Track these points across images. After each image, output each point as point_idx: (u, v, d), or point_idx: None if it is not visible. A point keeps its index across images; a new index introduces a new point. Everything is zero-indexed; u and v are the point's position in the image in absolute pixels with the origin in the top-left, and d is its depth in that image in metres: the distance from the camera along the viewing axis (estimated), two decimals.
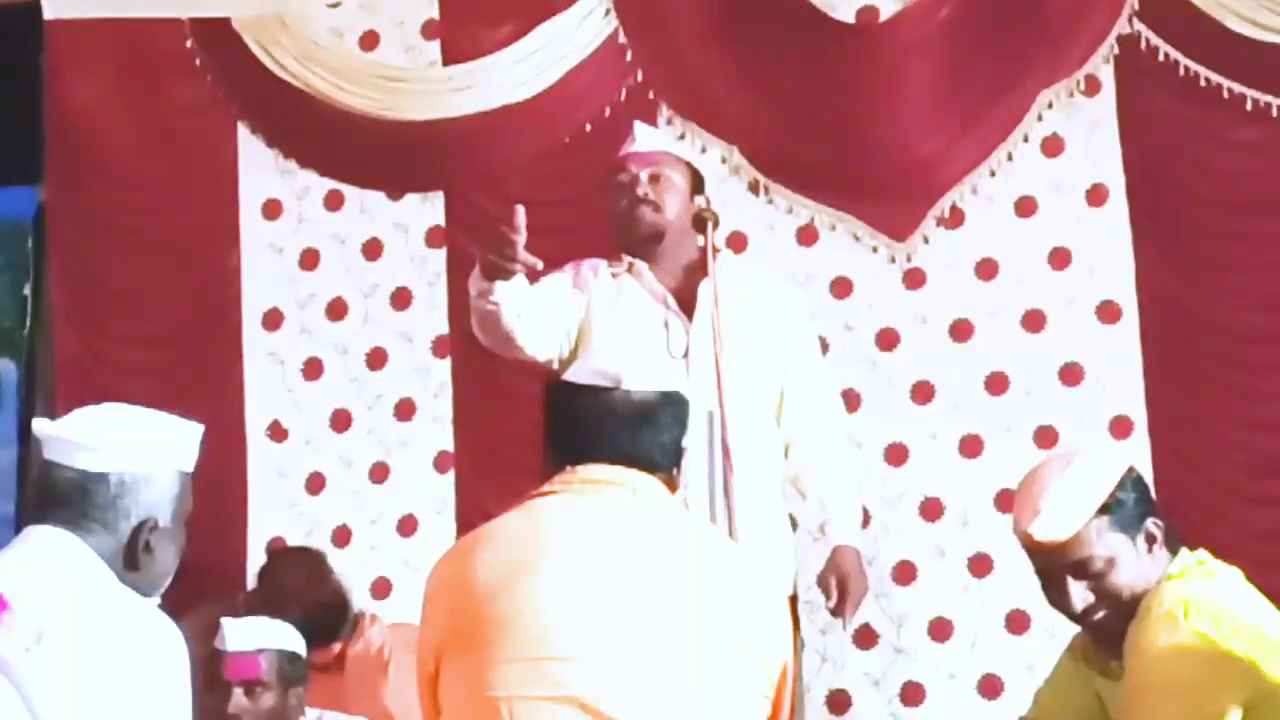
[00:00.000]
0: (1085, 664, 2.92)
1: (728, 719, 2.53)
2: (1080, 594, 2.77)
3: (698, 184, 3.91)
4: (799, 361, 3.88)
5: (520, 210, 3.46)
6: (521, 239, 3.47)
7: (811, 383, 3.89)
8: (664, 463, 2.69)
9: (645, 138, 3.97)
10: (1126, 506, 2.76)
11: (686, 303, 3.77)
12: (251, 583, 5.06)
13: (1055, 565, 2.77)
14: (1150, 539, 2.76)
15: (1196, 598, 2.65)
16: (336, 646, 4.65)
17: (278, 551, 4.99)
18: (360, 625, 4.71)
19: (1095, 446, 2.90)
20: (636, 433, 2.67)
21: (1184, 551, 2.79)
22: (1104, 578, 2.75)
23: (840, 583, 3.77)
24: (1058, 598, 2.80)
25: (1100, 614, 2.78)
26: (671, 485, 2.71)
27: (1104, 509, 2.75)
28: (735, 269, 3.92)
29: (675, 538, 2.64)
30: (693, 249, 3.83)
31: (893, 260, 4.93)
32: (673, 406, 2.73)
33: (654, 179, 3.84)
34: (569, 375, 2.78)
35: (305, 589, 4.63)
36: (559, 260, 5.09)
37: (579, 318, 3.86)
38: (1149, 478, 4.57)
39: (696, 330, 3.73)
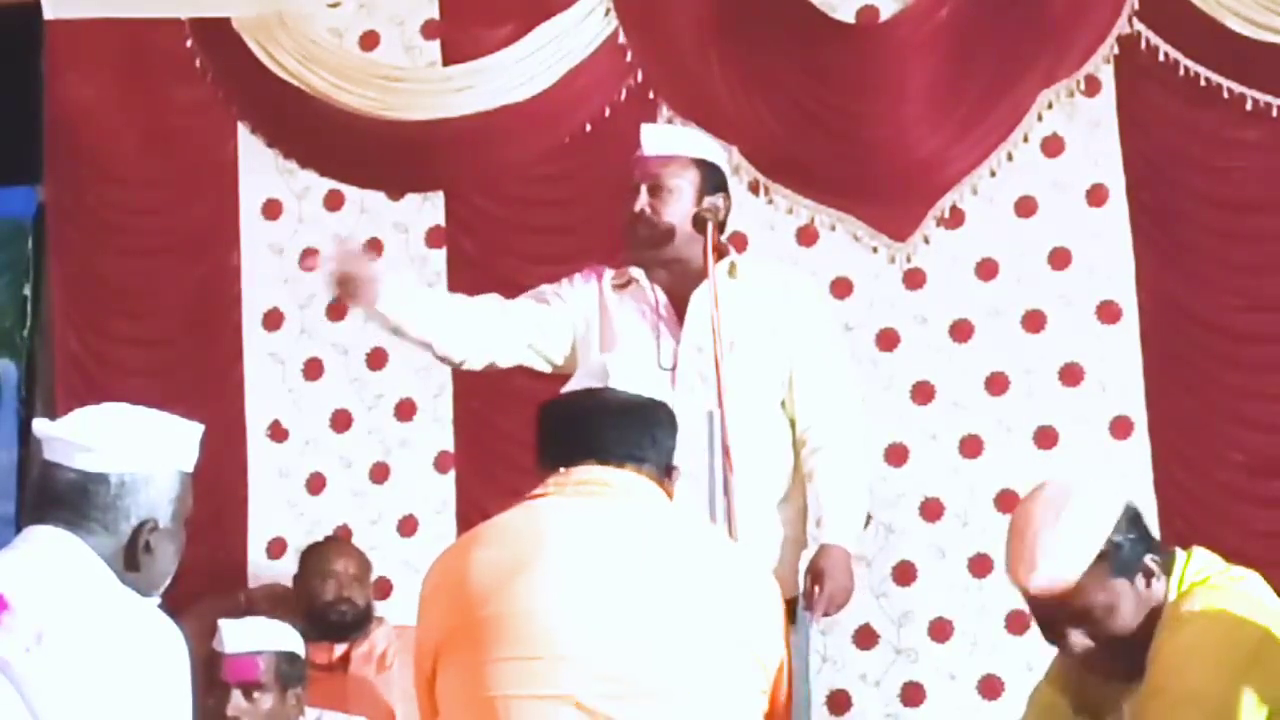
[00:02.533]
0: (1066, 693, 2.89)
1: (724, 717, 2.53)
2: (1080, 641, 2.72)
3: (711, 182, 3.79)
4: (806, 351, 3.78)
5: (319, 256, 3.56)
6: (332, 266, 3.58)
7: (821, 373, 3.78)
8: (656, 461, 2.69)
9: (649, 142, 3.85)
10: (1124, 550, 2.70)
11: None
12: (254, 582, 5.09)
13: (1053, 615, 2.72)
14: (1149, 575, 2.73)
15: (1222, 603, 2.64)
16: (341, 647, 4.68)
17: (329, 539, 5.00)
18: (367, 627, 4.75)
19: (1088, 485, 2.78)
20: (627, 430, 2.67)
21: (1198, 554, 2.78)
22: (1102, 624, 2.71)
23: (814, 580, 3.66)
24: (1055, 640, 2.76)
25: (1098, 657, 2.74)
26: (664, 487, 2.70)
27: (1102, 556, 2.69)
28: (744, 264, 3.84)
29: (670, 537, 2.64)
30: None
31: (893, 260, 4.93)
32: (661, 410, 2.74)
33: (654, 190, 3.76)
34: (566, 387, 2.78)
35: (349, 579, 4.71)
36: (558, 259, 5.11)
37: (561, 330, 3.83)
38: (1149, 478, 4.63)
39: (685, 340, 3.71)
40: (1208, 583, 2.71)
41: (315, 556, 4.85)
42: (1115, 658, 2.72)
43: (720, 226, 3.79)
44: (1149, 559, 2.73)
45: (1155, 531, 2.83)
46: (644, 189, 3.77)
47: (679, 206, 3.76)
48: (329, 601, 4.70)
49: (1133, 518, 2.75)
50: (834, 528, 3.72)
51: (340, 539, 5.03)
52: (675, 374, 3.64)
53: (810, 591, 3.65)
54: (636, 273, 3.81)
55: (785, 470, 3.77)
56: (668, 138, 4.01)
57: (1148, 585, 2.72)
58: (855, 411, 3.85)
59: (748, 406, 3.65)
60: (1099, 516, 2.72)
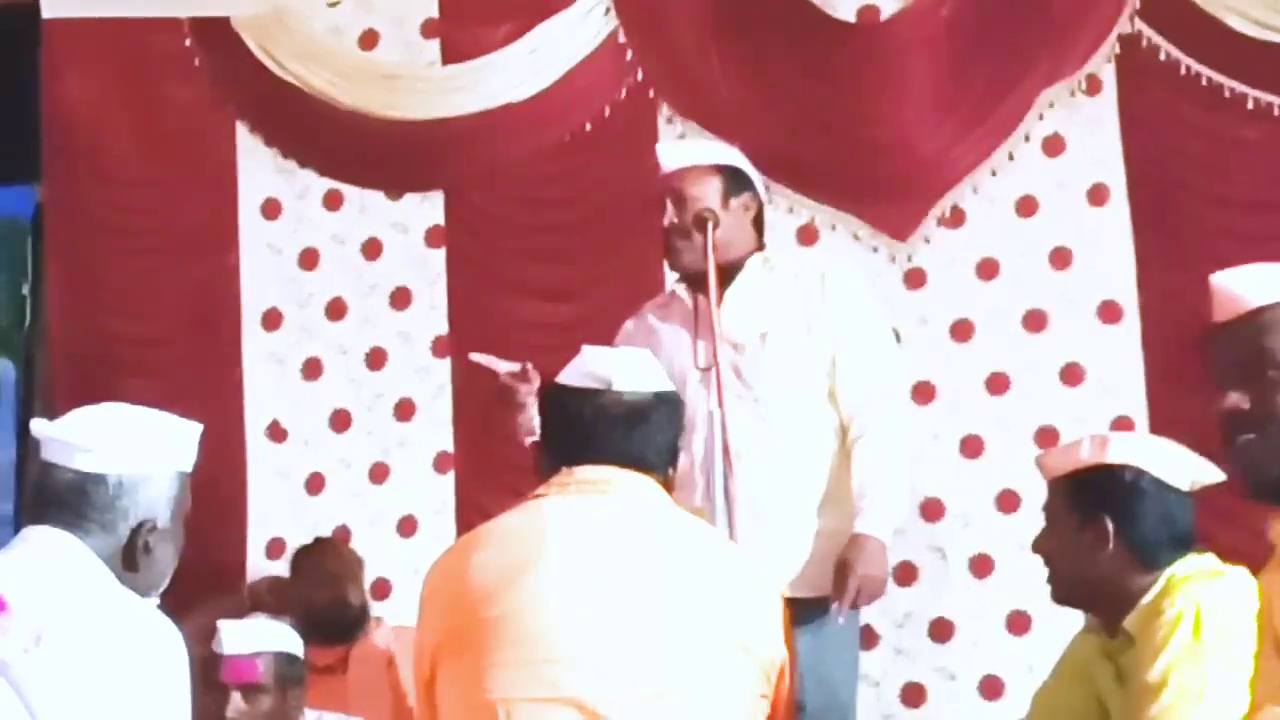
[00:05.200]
0: (1095, 635, 2.91)
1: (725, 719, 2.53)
2: (1038, 538, 2.89)
3: (735, 185, 3.81)
4: (848, 338, 3.75)
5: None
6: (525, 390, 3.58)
7: (864, 358, 3.76)
8: (658, 463, 2.70)
9: (666, 158, 3.90)
10: (1080, 490, 2.80)
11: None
12: (253, 578, 5.09)
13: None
14: (1097, 537, 2.76)
15: (1207, 600, 2.65)
16: (340, 649, 4.68)
17: (321, 541, 5.00)
18: (365, 627, 4.75)
19: (1167, 446, 2.89)
20: (630, 433, 2.68)
21: (1201, 555, 2.79)
22: (1048, 533, 2.85)
23: (839, 572, 3.59)
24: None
25: (1048, 571, 2.87)
26: (667, 486, 2.71)
27: (1072, 476, 2.82)
28: (779, 256, 3.87)
29: (672, 539, 2.64)
30: (745, 248, 3.80)
31: (893, 260, 4.93)
32: (666, 407, 2.74)
33: (678, 201, 3.78)
34: (561, 377, 2.78)
35: (342, 581, 4.72)
36: (558, 259, 5.13)
37: None
38: None
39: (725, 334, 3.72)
40: (1188, 580, 2.72)
41: (307, 559, 4.85)
42: (1056, 588, 2.85)
43: (757, 224, 3.85)
44: (1106, 521, 2.74)
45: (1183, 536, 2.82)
46: (669, 203, 3.81)
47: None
48: (326, 604, 4.70)
49: (1132, 481, 2.79)
50: (867, 517, 3.65)
51: (331, 540, 5.02)
52: (710, 373, 3.63)
53: (837, 583, 3.59)
54: (676, 287, 3.88)
55: (826, 462, 3.74)
56: (683, 151, 4.06)
57: (1094, 542, 2.77)
58: (901, 398, 3.83)
59: (783, 397, 3.67)
60: (1109, 452, 2.81)
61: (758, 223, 3.86)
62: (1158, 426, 4.69)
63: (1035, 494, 3.01)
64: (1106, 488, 2.79)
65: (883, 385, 3.76)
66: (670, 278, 4.09)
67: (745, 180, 3.86)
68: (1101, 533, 2.76)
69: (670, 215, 3.80)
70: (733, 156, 3.91)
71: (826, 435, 3.74)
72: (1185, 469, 2.84)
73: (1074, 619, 3.03)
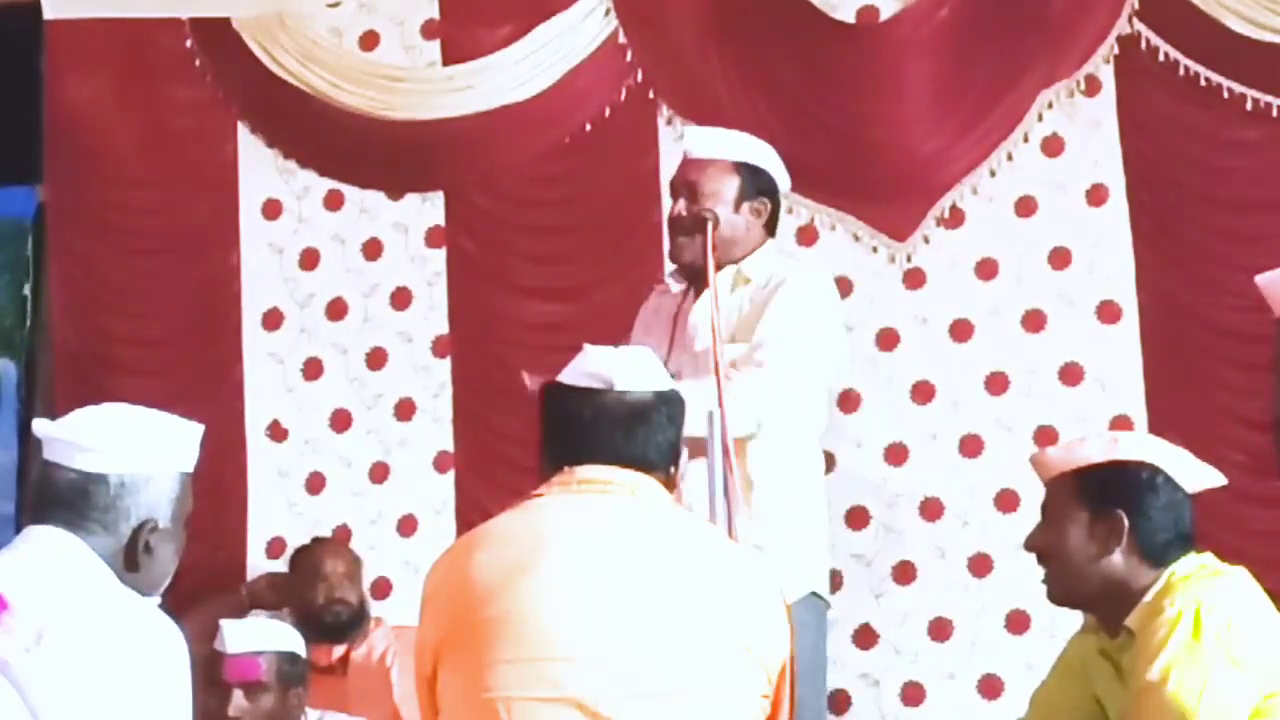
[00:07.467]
0: (1093, 634, 2.91)
1: (727, 719, 2.53)
2: (1034, 535, 2.87)
3: (753, 185, 3.80)
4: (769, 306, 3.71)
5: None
6: None
7: (770, 317, 3.71)
8: (660, 463, 2.70)
9: (692, 144, 3.87)
10: (1094, 486, 2.79)
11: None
12: (253, 577, 5.09)
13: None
14: (1111, 532, 2.76)
15: (1208, 599, 2.66)
16: (340, 649, 4.68)
17: (320, 540, 5.00)
18: (365, 628, 4.75)
19: (1172, 450, 2.86)
20: (630, 434, 2.67)
21: (1200, 555, 2.79)
22: (1049, 529, 2.83)
23: None
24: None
25: (1045, 570, 2.85)
26: (669, 485, 2.72)
27: (1081, 472, 2.80)
28: (757, 264, 3.85)
29: (673, 538, 2.64)
30: (748, 249, 3.79)
31: (893, 260, 4.93)
32: (667, 406, 2.74)
33: (691, 194, 3.77)
34: (562, 376, 2.79)
35: (341, 580, 4.72)
36: (558, 259, 5.13)
37: None
38: None
39: (689, 344, 3.71)
40: (1189, 579, 2.73)
41: (304, 560, 4.86)
42: (1054, 588, 2.84)
43: (769, 227, 3.84)
44: (1121, 520, 2.75)
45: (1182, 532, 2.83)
46: (681, 193, 3.80)
47: (716, 210, 3.74)
48: (322, 604, 4.70)
49: (1145, 481, 2.79)
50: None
51: (327, 539, 5.02)
52: (678, 379, 3.62)
53: None
54: (670, 279, 3.87)
55: (778, 461, 3.74)
56: (710, 141, 3.99)
57: (1105, 538, 2.77)
58: (773, 369, 3.68)
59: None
60: (1118, 450, 2.81)
61: (770, 224, 3.85)
62: (1157, 426, 4.70)
63: (1034, 493, 3.01)
64: (1122, 483, 2.79)
65: (766, 344, 3.67)
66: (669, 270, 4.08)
67: (765, 181, 3.83)
68: (1115, 528, 2.76)
69: (680, 207, 3.78)
70: (758, 154, 3.87)
71: (778, 434, 3.72)
72: (1192, 471, 2.85)
73: (1073, 618, 3.04)
